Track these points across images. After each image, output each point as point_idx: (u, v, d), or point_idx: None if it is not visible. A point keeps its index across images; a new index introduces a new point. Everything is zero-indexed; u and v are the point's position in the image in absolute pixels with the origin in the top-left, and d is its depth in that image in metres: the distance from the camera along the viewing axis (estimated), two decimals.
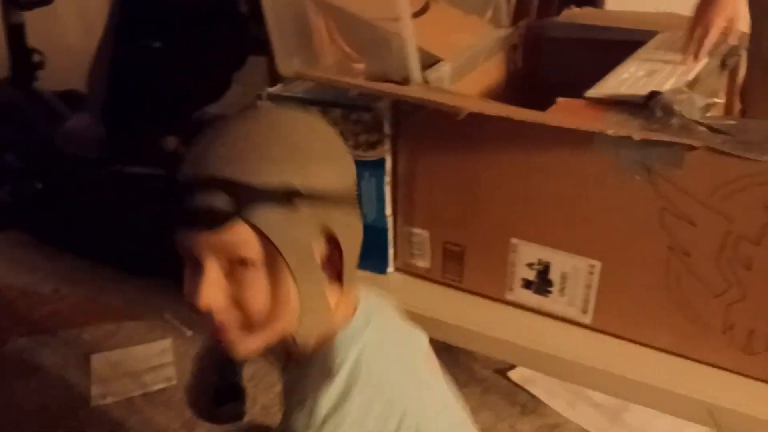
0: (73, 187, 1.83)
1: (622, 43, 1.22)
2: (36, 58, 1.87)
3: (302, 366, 0.69)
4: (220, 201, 0.58)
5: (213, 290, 0.61)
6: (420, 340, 0.83)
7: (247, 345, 0.65)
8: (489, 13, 1.37)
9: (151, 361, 1.63)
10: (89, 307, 1.81)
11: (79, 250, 1.92)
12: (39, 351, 1.67)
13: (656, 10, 1.44)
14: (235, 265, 0.61)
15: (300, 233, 0.61)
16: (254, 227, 0.59)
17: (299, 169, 0.61)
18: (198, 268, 0.61)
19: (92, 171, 1.77)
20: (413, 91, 0.98)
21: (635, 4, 1.49)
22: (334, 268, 0.66)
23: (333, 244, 0.65)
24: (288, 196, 0.60)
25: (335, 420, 0.61)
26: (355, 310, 0.70)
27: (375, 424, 0.63)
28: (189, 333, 1.72)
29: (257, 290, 0.62)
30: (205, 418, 1.23)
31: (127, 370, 1.61)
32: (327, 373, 0.65)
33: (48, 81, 1.98)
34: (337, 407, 0.62)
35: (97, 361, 1.63)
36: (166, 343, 1.69)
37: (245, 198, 0.59)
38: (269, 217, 0.59)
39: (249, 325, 0.63)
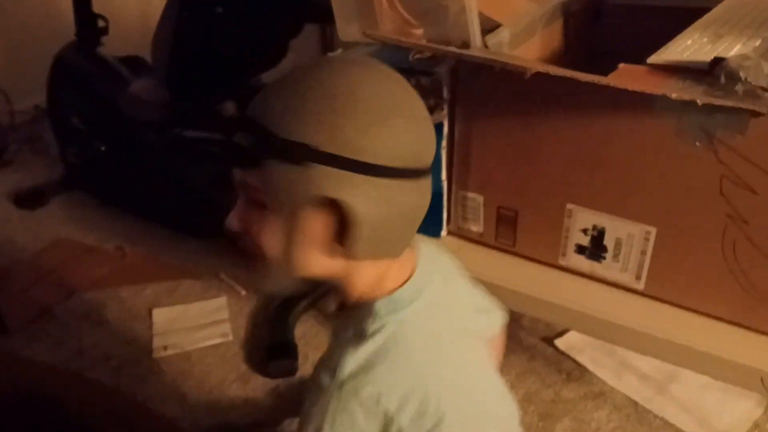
0: (135, 149, 1.90)
1: (685, 10, 1.20)
2: (100, 23, 1.93)
3: (347, 316, 0.69)
4: (247, 142, 0.60)
5: (235, 217, 0.64)
6: (482, 323, 0.79)
7: (269, 276, 0.66)
8: None
9: (208, 318, 1.70)
10: (149, 265, 1.89)
11: (139, 211, 2.00)
12: (104, 304, 1.76)
13: None
14: (253, 204, 0.63)
15: (297, 193, 0.59)
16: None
17: (327, 129, 0.58)
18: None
19: (153, 134, 1.83)
20: (479, 53, 1.00)
21: None
22: (340, 237, 0.62)
23: (342, 213, 0.60)
24: (301, 153, 0.58)
25: (356, 383, 0.61)
26: (408, 278, 0.68)
27: (395, 403, 0.62)
28: (243, 292, 1.78)
29: (265, 232, 0.63)
30: (259, 372, 1.28)
31: (186, 325, 1.68)
32: (359, 335, 0.65)
33: (110, 47, 2.04)
34: (360, 372, 0.62)
35: (159, 315, 1.71)
36: (222, 301, 1.76)
37: (264, 144, 0.59)
38: (275, 169, 0.59)
39: (266, 259, 0.64)
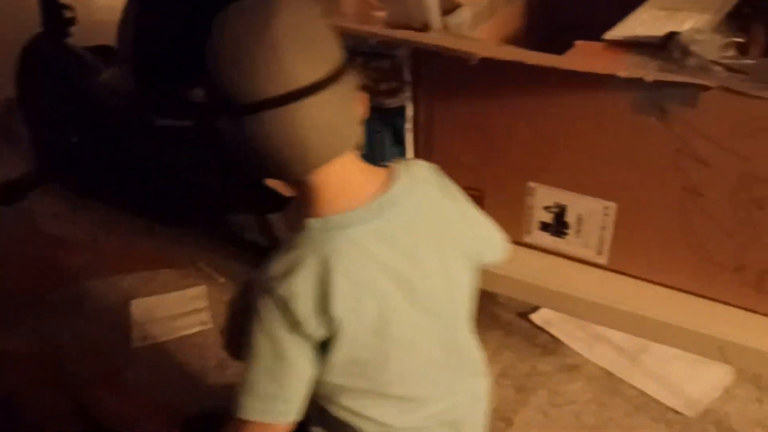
0: (108, 139, 1.89)
1: None
2: (68, 13, 1.91)
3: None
4: None
5: None
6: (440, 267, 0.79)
7: None
8: None
9: (186, 306, 1.71)
10: (126, 256, 1.90)
11: (114, 201, 1.99)
12: (82, 296, 1.77)
13: None
14: None
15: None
16: None
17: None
18: None
19: (124, 124, 1.82)
20: (428, 38, 1.00)
21: None
22: None
23: None
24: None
25: (274, 284, 0.71)
26: (356, 206, 0.73)
27: (303, 309, 0.71)
28: (221, 280, 1.79)
29: None
30: (237, 359, 1.30)
31: (164, 315, 1.69)
32: (288, 243, 0.73)
33: (79, 37, 2.02)
34: (280, 276, 0.71)
35: (137, 305, 1.72)
36: (200, 290, 1.77)
37: None
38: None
39: None
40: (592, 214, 1.02)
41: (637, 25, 1.04)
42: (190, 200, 1.90)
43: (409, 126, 1.14)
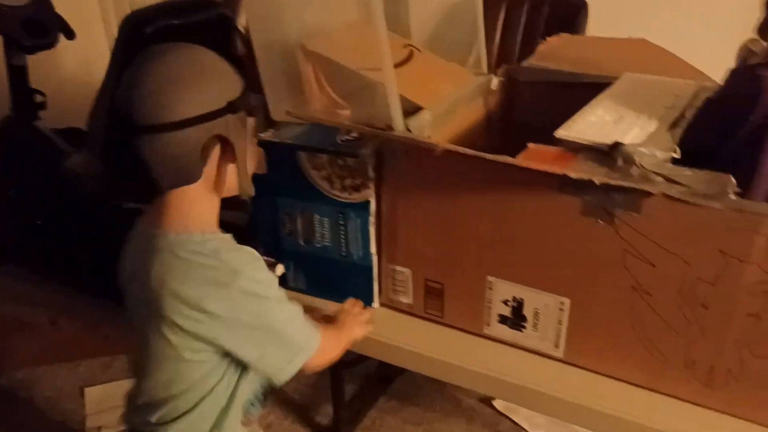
0: (73, 222, 1.88)
1: (587, 85, 1.30)
2: (38, 98, 1.93)
3: None
4: None
5: None
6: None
7: None
8: (471, 60, 1.44)
9: None
10: (85, 340, 1.86)
11: (77, 284, 1.96)
12: (36, 383, 1.71)
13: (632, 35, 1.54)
14: None
15: None
16: None
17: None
18: None
19: (91, 207, 1.82)
20: (398, 133, 1.07)
21: (615, 31, 1.58)
22: None
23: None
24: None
25: None
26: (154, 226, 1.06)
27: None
28: None
29: None
30: None
31: (120, 403, 1.64)
32: None
33: (49, 119, 2.04)
34: None
35: (91, 393, 1.67)
36: None
37: None
38: None
39: None
40: (549, 309, 1.06)
41: (585, 127, 1.11)
42: None
43: (373, 220, 1.18)
